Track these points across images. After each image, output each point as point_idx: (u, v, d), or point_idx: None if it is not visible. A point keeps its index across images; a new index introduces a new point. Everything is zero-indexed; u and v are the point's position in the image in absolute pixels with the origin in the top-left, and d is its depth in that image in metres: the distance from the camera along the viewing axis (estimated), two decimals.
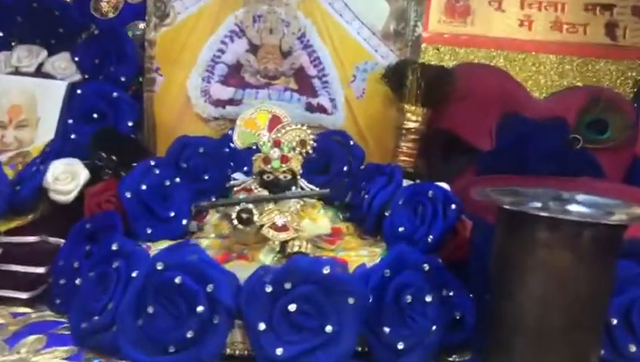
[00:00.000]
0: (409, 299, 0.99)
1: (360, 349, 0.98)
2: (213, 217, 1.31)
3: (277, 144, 1.18)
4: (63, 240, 1.22)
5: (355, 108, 1.58)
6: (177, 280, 0.93)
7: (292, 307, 0.93)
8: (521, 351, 0.88)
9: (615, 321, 0.96)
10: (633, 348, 0.96)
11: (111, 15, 1.61)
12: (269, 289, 0.94)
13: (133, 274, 0.99)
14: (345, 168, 1.44)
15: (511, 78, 1.58)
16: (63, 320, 1.10)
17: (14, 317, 1.11)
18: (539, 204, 0.92)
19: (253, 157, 1.20)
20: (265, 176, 1.18)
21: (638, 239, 1.00)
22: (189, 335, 0.91)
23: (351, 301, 0.94)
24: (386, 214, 1.25)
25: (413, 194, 1.23)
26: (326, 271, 0.95)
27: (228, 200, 1.18)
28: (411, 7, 1.55)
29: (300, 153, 1.20)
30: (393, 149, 1.54)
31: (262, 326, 0.93)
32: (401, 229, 1.20)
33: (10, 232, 1.23)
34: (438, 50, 1.62)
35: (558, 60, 1.63)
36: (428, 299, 1.00)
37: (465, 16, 1.60)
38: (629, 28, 1.62)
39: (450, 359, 1.04)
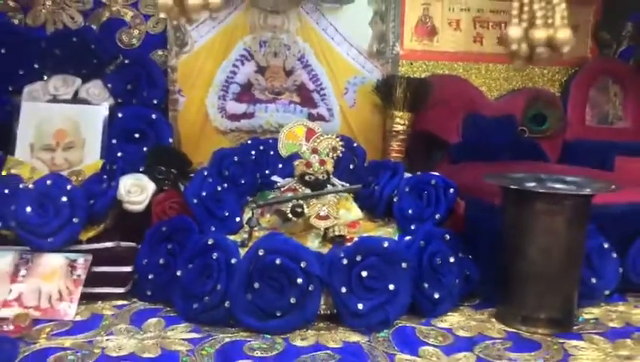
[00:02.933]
0: (439, 261, 1.34)
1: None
2: (248, 214, 1.57)
3: (315, 151, 1.48)
4: (133, 244, 1.47)
5: (349, 116, 1.91)
6: (278, 261, 1.22)
7: (364, 273, 1.25)
8: (532, 291, 1.25)
9: None
10: (594, 280, 1.36)
11: (135, 45, 1.82)
12: (345, 261, 1.26)
13: (233, 261, 1.27)
14: (351, 166, 1.75)
15: (471, 85, 1.97)
16: (158, 306, 1.35)
17: (119, 308, 1.35)
18: (533, 184, 1.29)
19: (295, 163, 1.49)
20: (307, 177, 1.48)
21: (593, 204, 1.40)
22: (293, 301, 1.21)
23: (404, 265, 1.28)
24: (395, 200, 1.58)
25: (418, 183, 1.56)
26: (385, 244, 1.28)
27: (282, 198, 1.46)
28: (390, 30, 1.89)
29: (332, 157, 1.51)
30: (382, 149, 1.88)
31: (343, 289, 1.24)
32: (410, 211, 1.53)
33: (89, 240, 1.45)
34: (411, 64, 1.96)
35: (504, 68, 2.02)
36: (452, 260, 1.36)
37: (432, 36, 1.96)
38: None
39: (466, 304, 1.40)
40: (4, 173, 1.57)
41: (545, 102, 1.95)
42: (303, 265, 1.23)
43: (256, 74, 1.86)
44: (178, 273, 1.31)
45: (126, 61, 1.75)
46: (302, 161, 1.48)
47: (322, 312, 1.27)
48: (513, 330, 1.25)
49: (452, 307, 1.36)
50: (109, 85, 1.73)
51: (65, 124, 1.67)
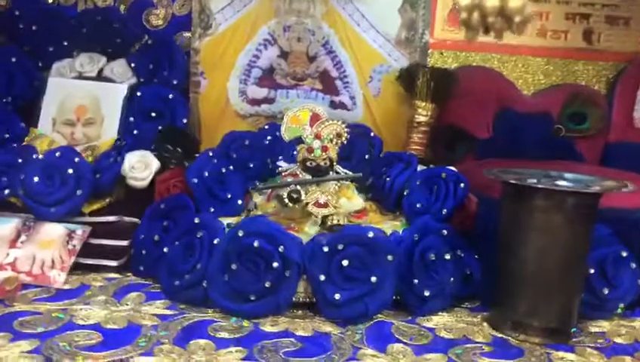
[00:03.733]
0: (432, 256, 1.26)
1: (396, 298, 1.25)
2: (257, 198, 1.56)
3: (318, 137, 1.44)
4: (136, 219, 1.48)
5: (372, 105, 1.84)
6: (256, 243, 1.19)
7: (345, 262, 1.20)
8: (524, 295, 1.15)
9: (592, 271, 1.24)
10: (606, 291, 1.24)
11: (161, 26, 1.85)
12: (325, 249, 1.21)
13: (215, 241, 1.25)
14: (366, 156, 1.70)
15: (504, 78, 1.86)
16: (147, 282, 1.36)
17: (109, 281, 1.36)
18: (535, 180, 1.19)
19: (298, 148, 1.45)
20: (308, 163, 1.43)
21: (611, 207, 1.28)
22: (267, 285, 1.18)
23: (390, 258, 1.21)
24: (405, 194, 1.51)
25: (429, 176, 1.49)
26: (370, 234, 1.21)
27: (280, 183, 1.43)
28: (420, 18, 1.81)
29: (337, 143, 1.46)
30: (405, 140, 1.81)
31: (322, 277, 1.19)
32: (418, 205, 1.45)
33: (93, 213, 1.47)
34: (442, 54, 1.88)
35: (543, 62, 1.89)
36: (447, 256, 1.28)
37: None
38: (603, 34, 1.90)
39: (464, 306, 1.32)
40: (24, 143, 1.64)
41: (586, 99, 1.80)
42: (281, 249, 1.19)
43: (279, 59, 1.83)
44: (165, 249, 1.31)
45: (149, 42, 1.78)
46: (304, 146, 1.44)
47: (302, 300, 1.23)
48: (501, 336, 1.16)
49: (444, 306, 1.28)
50: (132, 65, 1.76)
51: (86, 101, 1.71)
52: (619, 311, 1.28)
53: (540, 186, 1.13)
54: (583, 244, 1.15)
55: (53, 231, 1.40)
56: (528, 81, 1.89)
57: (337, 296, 1.18)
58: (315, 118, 1.46)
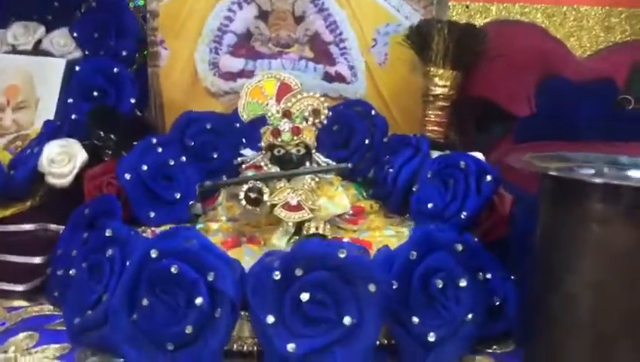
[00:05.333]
0: (440, 283, 0.87)
1: (385, 342, 0.87)
2: (224, 198, 1.20)
3: (287, 115, 1.06)
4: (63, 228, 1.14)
5: (377, 76, 1.45)
6: (173, 269, 0.82)
7: (304, 296, 0.81)
8: (573, 350, 0.74)
9: None
10: None
11: None
12: (277, 276, 0.82)
13: (128, 263, 0.89)
14: (367, 141, 1.31)
15: (550, 36, 1.43)
16: (56, 314, 1.01)
17: (9, 311, 1.02)
18: (592, 171, 0.78)
19: (262, 130, 1.08)
20: (275, 151, 1.07)
21: None
22: (188, 331, 0.80)
23: (372, 288, 0.82)
24: (414, 189, 1.13)
25: (443, 166, 1.10)
26: (342, 254, 0.82)
27: (234, 179, 1.07)
28: None
29: (314, 124, 1.08)
30: (421, 119, 1.41)
31: (270, 319, 0.81)
32: (430, 206, 1.07)
33: (5, 220, 1.14)
34: (467, 7, 1.48)
35: (603, 13, 1.46)
36: (462, 283, 0.88)
37: None
38: None
39: (490, 350, 0.91)
40: None
41: None
42: (209, 277, 0.82)
43: (257, 20, 1.46)
44: (71, 272, 0.96)
45: (93, 4, 1.43)
46: (268, 128, 1.07)
47: (247, 349, 0.85)
48: None
49: (462, 355, 0.88)
50: (75, 34, 1.43)
51: (18, 80, 1.39)
52: None
53: (598, 181, 0.71)
54: None
55: None
56: (583, 39, 1.46)
57: (291, 347, 0.79)
58: (284, 90, 1.09)
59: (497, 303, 0.92)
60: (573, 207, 0.73)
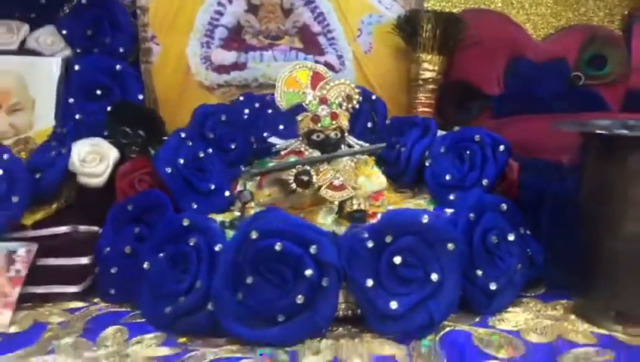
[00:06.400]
0: (495, 239, 1.00)
1: None
2: (250, 187, 1.24)
3: (324, 101, 1.14)
4: (95, 228, 1.14)
5: (364, 64, 1.55)
6: (277, 246, 0.88)
7: (397, 259, 0.91)
8: (628, 280, 0.90)
9: None
10: None
11: None
12: (370, 244, 0.91)
13: (217, 248, 0.93)
14: (369, 124, 1.41)
15: (513, 22, 1.60)
16: (124, 309, 1.03)
17: (72, 313, 1.02)
18: (625, 131, 0.94)
19: (299, 117, 1.15)
20: (315, 136, 1.14)
21: None
22: (300, 301, 0.87)
23: (450, 247, 0.93)
24: (427, 164, 1.25)
25: (457, 141, 1.23)
26: (424, 220, 0.93)
27: (283, 165, 1.12)
28: None
29: (347, 109, 1.16)
30: (407, 104, 1.53)
31: (370, 283, 0.90)
32: (448, 177, 1.20)
33: (37, 225, 1.12)
34: None
35: (552, 1, 1.65)
36: (510, 237, 1.01)
37: None
38: None
39: (529, 294, 1.06)
40: None
41: (604, 41, 1.58)
42: (312, 250, 0.89)
43: (247, 14, 1.50)
44: (145, 265, 0.98)
45: (83, 1, 1.40)
46: (307, 115, 1.13)
47: (342, 314, 0.93)
48: (605, 332, 0.91)
49: (513, 300, 1.01)
50: (64, 32, 1.39)
51: (8, 82, 1.33)
52: None
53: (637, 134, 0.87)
54: None
55: None
56: (537, 24, 1.65)
57: (394, 305, 0.89)
58: (316, 78, 1.15)
59: (529, 254, 1.07)
60: (621, 160, 0.88)
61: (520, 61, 1.56)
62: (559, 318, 0.96)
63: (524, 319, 0.96)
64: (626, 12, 1.67)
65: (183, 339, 0.91)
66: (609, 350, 0.85)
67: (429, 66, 1.45)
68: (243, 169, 1.25)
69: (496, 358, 0.84)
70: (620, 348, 0.86)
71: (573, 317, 0.96)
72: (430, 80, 1.46)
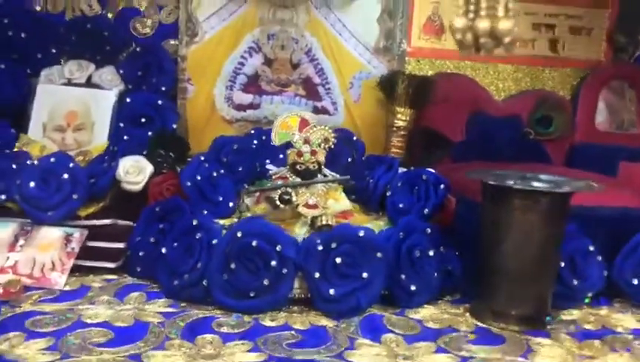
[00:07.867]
0: (418, 253, 1.35)
1: (384, 292, 1.34)
2: (247, 200, 1.62)
3: (307, 141, 1.51)
4: (129, 222, 1.53)
5: (353, 111, 1.93)
6: (254, 243, 1.26)
7: (338, 260, 1.28)
8: (503, 287, 1.25)
9: (563, 264, 1.34)
10: (575, 282, 1.35)
11: (148, 34, 1.89)
12: (320, 247, 1.29)
13: (214, 242, 1.31)
14: (349, 160, 1.78)
15: (477, 84, 1.97)
16: (145, 282, 1.41)
17: (108, 282, 1.41)
18: (512, 181, 1.29)
19: (288, 152, 1.52)
20: (298, 166, 1.51)
21: (577, 205, 1.38)
22: (266, 283, 1.25)
23: (379, 255, 1.30)
24: (388, 195, 1.60)
25: (410, 178, 1.58)
26: (361, 234, 1.30)
27: (271, 186, 1.50)
28: (397, 28, 1.91)
29: (324, 148, 1.53)
30: (384, 143, 1.90)
31: (317, 275, 1.27)
32: (401, 205, 1.55)
33: (88, 217, 1.51)
34: (419, 61, 1.97)
35: (513, 69, 2.01)
36: (431, 253, 1.37)
37: (439, 34, 1.97)
38: (567, 43, 2.02)
39: (446, 299, 1.41)
40: (15, 149, 1.67)
41: (552, 104, 1.93)
42: (278, 248, 1.27)
43: (264, 66, 1.91)
44: (163, 250, 1.37)
45: (138, 49, 1.82)
46: (294, 151, 1.51)
47: (297, 296, 1.30)
48: (483, 325, 1.26)
49: (429, 300, 1.37)
50: (121, 71, 1.81)
51: (76, 107, 1.75)
52: (586, 300, 1.39)
53: (518, 187, 1.23)
54: (557, 239, 1.25)
55: (51, 234, 1.45)
56: (499, 87, 2.00)
57: (332, 292, 1.26)
58: (303, 124, 1.54)
59: (449, 268, 1.41)
60: (504, 202, 1.23)
61: (481, 115, 1.92)
62: (457, 315, 1.31)
63: (431, 313, 1.31)
64: (574, 82, 2.01)
65: (183, 304, 1.29)
66: (475, 334, 1.19)
67: (402, 117, 1.82)
68: (245, 186, 1.63)
69: (393, 331, 1.19)
70: (486, 335, 1.20)
71: (467, 314, 1.31)
72: (402, 128, 1.83)
